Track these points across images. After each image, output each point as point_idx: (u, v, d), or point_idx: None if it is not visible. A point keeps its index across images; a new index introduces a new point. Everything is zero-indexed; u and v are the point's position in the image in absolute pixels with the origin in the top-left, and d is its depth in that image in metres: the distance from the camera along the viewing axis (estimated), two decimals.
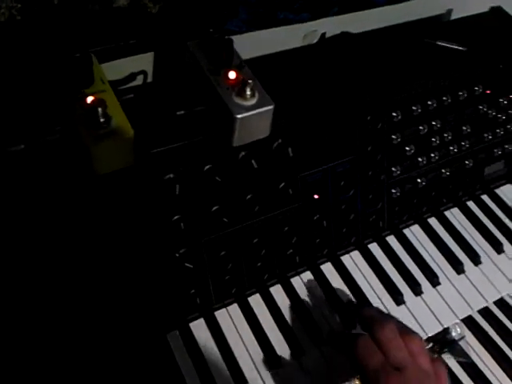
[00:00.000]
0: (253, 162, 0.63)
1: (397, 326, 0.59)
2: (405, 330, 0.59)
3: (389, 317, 0.64)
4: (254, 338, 0.67)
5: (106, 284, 0.59)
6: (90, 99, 0.51)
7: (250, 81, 0.55)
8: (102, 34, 0.62)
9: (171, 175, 0.58)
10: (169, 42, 0.66)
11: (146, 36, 0.65)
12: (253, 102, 0.56)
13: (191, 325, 0.67)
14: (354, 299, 0.72)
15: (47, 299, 0.56)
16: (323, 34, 0.81)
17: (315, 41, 0.81)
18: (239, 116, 0.55)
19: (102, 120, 0.50)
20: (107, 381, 0.60)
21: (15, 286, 0.54)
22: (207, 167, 0.60)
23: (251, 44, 0.72)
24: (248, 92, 0.55)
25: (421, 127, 0.75)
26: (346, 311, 0.70)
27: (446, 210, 0.84)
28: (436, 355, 0.78)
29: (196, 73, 0.59)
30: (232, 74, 0.57)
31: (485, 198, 0.88)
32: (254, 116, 0.55)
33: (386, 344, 0.56)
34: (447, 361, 0.78)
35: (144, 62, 0.69)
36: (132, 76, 0.68)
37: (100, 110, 0.50)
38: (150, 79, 0.70)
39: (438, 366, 0.58)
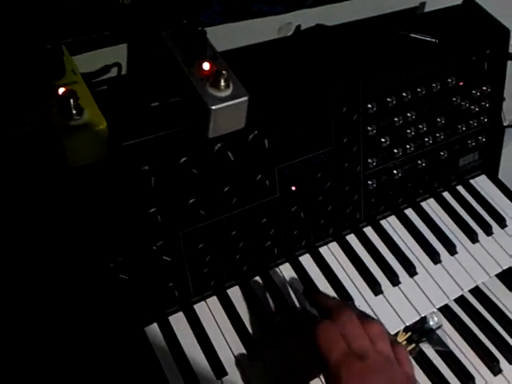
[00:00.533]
0: (229, 153, 0.63)
1: (355, 312, 0.59)
2: (364, 317, 0.59)
3: (347, 304, 0.64)
4: (233, 329, 0.67)
5: (83, 278, 0.59)
6: (61, 90, 0.51)
7: (224, 72, 0.54)
8: (74, 26, 0.61)
9: (146, 167, 0.58)
10: (142, 33, 0.65)
11: (119, 27, 0.64)
12: (227, 93, 0.55)
13: (170, 318, 0.66)
14: (332, 290, 0.73)
15: (21, 293, 0.55)
16: (298, 27, 0.81)
17: (290, 33, 0.81)
18: (214, 107, 0.54)
19: (74, 112, 0.49)
20: (86, 374, 0.60)
21: None
22: (183, 159, 0.60)
23: (225, 36, 0.72)
24: (222, 83, 0.55)
25: (396, 119, 0.76)
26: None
27: (422, 200, 0.85)
28: (414, 344, 0.79)
29: (170, 64, 0.59)
30: (206, 65, 0.56)
31: (460, 188, 0.89)
32: (228, 107, 0.55)
33: (346, 332, 0.56)
34: (425, 350, 0.79)
35: (118, 53, 0.68)
36: (106, 68, 0.67)
37: (72, 101, 0.49)
38: (124, 71, 0.69)
39: (399, 350, 0.58)
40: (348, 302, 0.71)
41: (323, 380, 0.66)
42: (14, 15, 0.57)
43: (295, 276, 0.73)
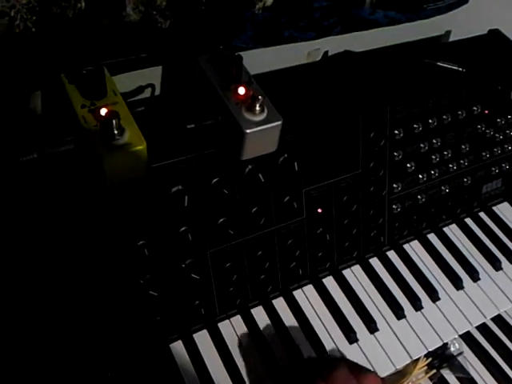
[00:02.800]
0: (259, 175, 0.64)
1: (348, 366, 0.57)
2: (357, 369, 0.58)
3: (338, 359, 0.62)
4: (255, 349, 0.68)
5: (112, 293, 0.60)
6: (103, 111, 0.52)
7: (259, 97, 0.56)
8: (114, 48, 0.64)
9: (180, 187, 0.59)
10: (178, 56, 0.67)
11: (156, 50, 0.66)
12: (262, 117, 0.57)
13: (195, 335, 0.67)
14: (355, 312, 0.73)
15: (54, 306, 0.56)
16: (326, 52, 0.83)
17: (318, 58, 0.83)
18: (249, 131, 0.56)
19: (115, 132, 0.51)
20: None
21: (22, 292, 0.55)
22: (215, 180, 0.61)
23: (257, 60, 0.73)
24: (257, 107, 0.56)
25: (422, 145, 0.77)
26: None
27: (444, 226, 0.86)
28: (435, 370, 0.78)
29: (206, 87, 0.60)
30: (241, 90, 0.58)
31: (482, 215, 0.89)
32: (263, 131, 0.56)
33: None
34: (446, 376, 0.79)
35: (151, 75, 0.70)
36: (140, 89, 0.69)
37: (114, 122, 0.50)
38: (157, 92, 0.71)
39: None
40: (338, 357, 0.69)
41: None
42: (57, 37, 0.59)
43: (318, 297, 0.74)
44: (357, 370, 0.58)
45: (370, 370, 0.59)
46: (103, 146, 0.51)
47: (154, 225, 0.59)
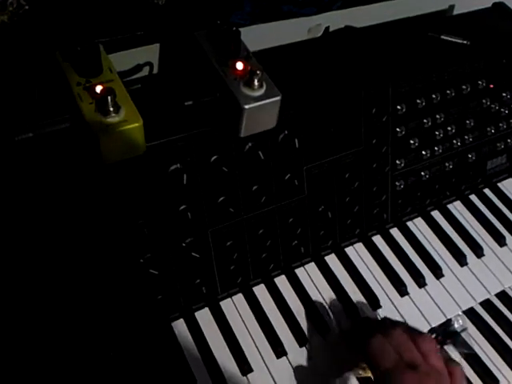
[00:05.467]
0: (259, 153, 0.64)
1: (406, 329, 0.60)
2: (415, 333, 0.60)
3: (397, 322, 0.65)
4: (259, 326, 0.68)
5: (112, 272, 0.60)
6: (99, 88, 0.52)
7: (258, 71, 0.55)
8: (109, 25, 0.63)
9: (178, 165, 0.59)
10: (175, 33, 0.66)
11: (153, 27, 0.65)
12: (260, 92, 0.56)
13: (196, 314, 0.67)
14: (358, 290, 0.73)
15: (54, 287, 0.56)
16: (327, 28, 0.82)
17: (319, 34, 0.81)
18: (247, 106, 0.55)
19: (111, 109, 0.50)
20: (113, 369, 0.61)
21: (19, 273, 0.55)
22: (214, 158, 0.61)
23: (256, 37, 0.72)
24: (256, 83, 0.55)
25: (425, 120, 0.76)
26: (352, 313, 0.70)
27: (448, 203, 0.85)
28: (439, 346, 0.78)
29: (203, 63, 0.60)
30: (240, 65, 0.57)
31: (487, 191, 0.88)
32: (261, 106, 0.56)
33: (397, 346, 0.57)
34: (450, 352, 0.78)
35: (150, 53, 0.69)
36: (138, 67, 0.68)
37: (110, 98, 0.50)
38: (155, 70, 0.70)
39: (454, 369, 0.58)
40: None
41: (347, 380, 0.66)
42: (52, 14, 0.58)
43: (321, 275, 0.74)
44: (414, 332, 0.60)
45: (426, 334, 0.61)
46: (99, 123, 0.50)
47: (153, 204, 0.59)
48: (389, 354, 0.56)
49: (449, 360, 0.60)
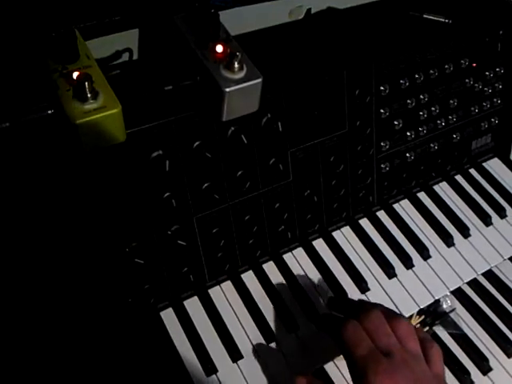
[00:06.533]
0: (242, 137, 0.63)
1: (383, 312, 0.58)
2: (392, 316, 0.58)
3: (374, 304, 0.63)
4: (248, 314, 0.67)
5: (98, 262, 0.59)
6: (75, 74, 0.50)
7: (237, 53, 0.54)
8: (85, 11, 0.61)
9: (160, 151, 0.58)
10: (154, 17, 0.65)
11: (130, 12, 0.64)
12: (241, 75, 0.55)
13: (185, 303, 0.67)
14: (346, 273, 0.73)
15: (36, 277, 0.55)
16: (309, 10, 0.81)
17: (301, 16, 0.80)
18: (228, 89, 0.54)
19: (89, 95, 0.49)
20: (102, 360, 0.60)
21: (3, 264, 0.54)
22: (197, 143, 0.60)
23: (237, 20, 0.71)
24: (236, 65, 0.54)
25: (408, 101, 0.75)
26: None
27: (434, 184, 0.85)
28: (427, 327, 0.79)
29: (183, 47, 0.58)
30: (219, 48, 0.56)
31: (472, 171, 0.89)
32: (243, 89, 0.55)
33: (373, 331, 0.55)
34: (439, 333, 0.79)
35: (129, 38, 0.68)
36: (117, 54, 0.67)
37: (87, 84, 0.49)
38: (135, 57, 0.69)
39: (432, 349, 0.57)
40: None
41: (338, 364, 0.66)
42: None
43: (309, 260, 0.73)
44: (391, 315, 0.58)
45: (403, 317, 0.59)
46: (77, 110, 0.49)
47: (136, 192, 0.58)
48: (362, 340, 0.54)
49: (426, 341, 0.58)
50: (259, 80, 0.55)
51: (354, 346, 0.54)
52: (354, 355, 0.54)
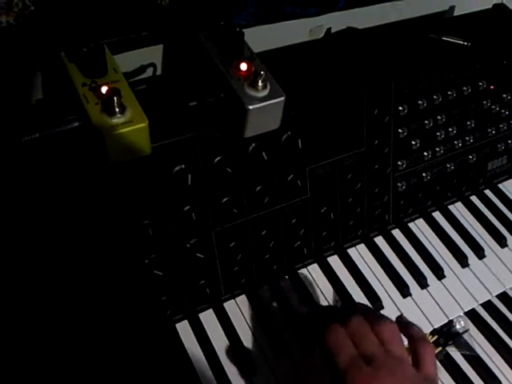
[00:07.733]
0: (263, 153, 0.64)
1: (367, 314, 0.56)
2: (375, 318, 0.56)
3: (358, 305, 0.61)
4: (262, 328, 0.68)
5: (116, 273, 0.60)
6: (104, 89, 0.52)
7: (262, 72, 0.55)
8: (114, 26, 0.63)
9: (183, 166, 0.59)
10: (179, 34, 0.66)
11: (157, 28, 0.65)
12: (265, 93, 0.56)
13: (201, 315, 0.67)
14: (360, 291, 0.73)
15: (59, 286, 0.56)
16: (329, 29, 0.82)
17: (321, 35, 0.82)
18: (251, 107, 0.55)
19: (117, 109, 0.50)
20: (117, 371, 0.61)
21: (25, 274, 0.55)
22: (218, 158, 0.61)
23: (259, 38, 0.72)
24: (260, 83, 0.56)
25: (426, 121, 0.76)
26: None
27: (450, 204, 0.85)
28: (440, 348, 0.78)
29: (207, 64, 0.60)
30: (244, 66, 0.57)
31: (488, 192, 0.89)
32: (266, 107, 0.56)
33: (354, 333, 0.53)
34: (452, 353, 0.78)
35: (153, 54, 0.69)
36: (142, 68, 0.68)
37: (115, 99, 0.50)
38: (159, 72, 0.70)
39: (423, 349, 0.55)
40: (359, 302, 0.68)
41: None
42: (57, 15, 0.58)
43: (323, 277, 0.74)
44: (375, 318, 0.56)
45: (387, 319, 0.56)
46: (105, 124, 0.50)
47: (157, 204, 0.59)
48: (344, 347, 0.52)
49: (418, 340, 0.55)
50: (282, 98, 0.56)
51: (336, 354, 0.52)
52: (336, 363, 0.51)
